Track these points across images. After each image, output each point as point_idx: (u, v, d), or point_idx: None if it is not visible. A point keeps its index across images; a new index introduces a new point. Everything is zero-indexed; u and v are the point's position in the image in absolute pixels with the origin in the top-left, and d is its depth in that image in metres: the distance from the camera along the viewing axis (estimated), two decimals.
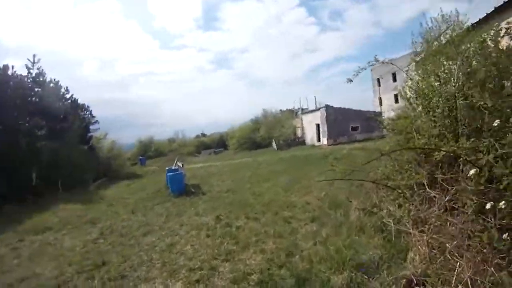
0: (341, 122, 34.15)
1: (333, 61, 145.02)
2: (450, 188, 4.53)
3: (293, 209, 8.64)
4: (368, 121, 35.37)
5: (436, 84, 5.89)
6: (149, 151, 51.84)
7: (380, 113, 39.32)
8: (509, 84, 4.24)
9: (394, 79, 48.09)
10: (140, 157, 41.29)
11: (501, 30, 4.68)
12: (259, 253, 5.70)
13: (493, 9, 9.40)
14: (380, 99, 50.91)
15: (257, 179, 14.97)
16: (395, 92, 47.87)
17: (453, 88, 5.21)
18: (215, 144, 60.13)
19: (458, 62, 5.19)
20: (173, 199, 12.50)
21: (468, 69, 5.07)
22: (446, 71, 5.69)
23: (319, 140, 35.81)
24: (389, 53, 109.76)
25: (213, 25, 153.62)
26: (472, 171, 3.66)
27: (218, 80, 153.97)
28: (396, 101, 47.93)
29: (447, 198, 4.59)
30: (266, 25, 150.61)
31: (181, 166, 18.83)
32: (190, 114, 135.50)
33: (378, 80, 51.49)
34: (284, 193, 11.01)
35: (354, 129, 35.15)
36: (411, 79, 7.07)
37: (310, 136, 38.67)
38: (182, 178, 13.91)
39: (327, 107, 34.13)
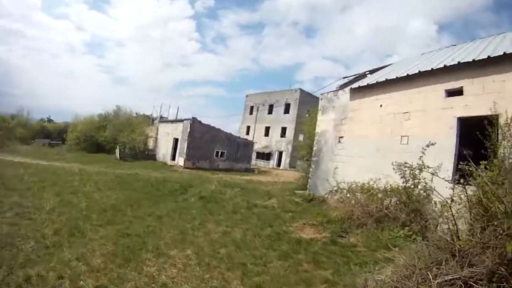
0: (206, 143, 28.05)
1: (202, 83, 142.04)
2: None
3: None
4: (236, 149, 30.59)
5: None
6: None
7: (252, 142, 34.78)
8: None
9: (270, 111, 45.07)
10: None
11: None
12: None
13: None
14: (248, 127, 47.15)
15: (65, 220, 7.73)
16: (268, 125, 45.24)
17: None
18: (57, 134, 50.09)
19: None
20: None
21: None
22: None
23: (174, 158, 28.85)
24: (261, 88, 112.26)
25: (102, 6, 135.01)
26: None
27: (84, 66, 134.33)
28: (267, 134, 45.14)
29: None
30: (152, 25, 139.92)
31: None
32: (46, 93, 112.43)
33: (252, 108, 47.90)
34: None
35: (217, 154, 29.30)
36: None
37: (163, 151, 31.51)
38: None
39: (194, 120, 27.61)
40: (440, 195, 4.15)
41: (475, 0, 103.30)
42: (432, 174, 5.67)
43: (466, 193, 4.08)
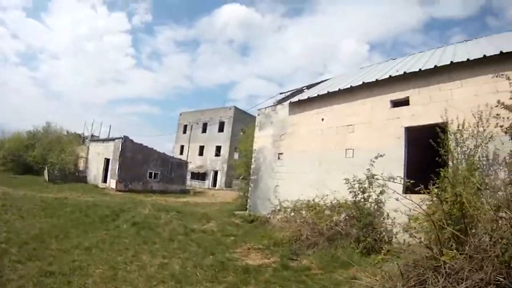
0: (138, 163, 26.41)
1: (136, 100, 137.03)
2: None
3: None
4: (170, 169, 29.07)
5: None
6: None
7: (186, 162, 33.37)
8: None
9: (204, 130, 44.03)
10: None
11: None
12: None
13: None
14: (182, 147, 45.67)
15: None
16: (202, 144, 44.06)
17: None
18: None
19: None
20: None
21: None
22: None
23: (105, 180, 26.85)
24: (196, 107, 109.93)
25: (39, 15, 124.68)
26: None
27: (16, 79, 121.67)
28: (201, 153, 43.88)
29: None
30: (87, 37, 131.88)
31: None
32: None
33: (185, 127, 46.55)
34: None
35: (151, 176, 27.66)
36: None
37: (94, 172, 29.40)
38: None
39: (126, 139, 25.89)
40: (423, 208, 3.68)
41: (405, 21, 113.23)
42: (388, 180, 5.27)
43: (442, 203, 3.66)
